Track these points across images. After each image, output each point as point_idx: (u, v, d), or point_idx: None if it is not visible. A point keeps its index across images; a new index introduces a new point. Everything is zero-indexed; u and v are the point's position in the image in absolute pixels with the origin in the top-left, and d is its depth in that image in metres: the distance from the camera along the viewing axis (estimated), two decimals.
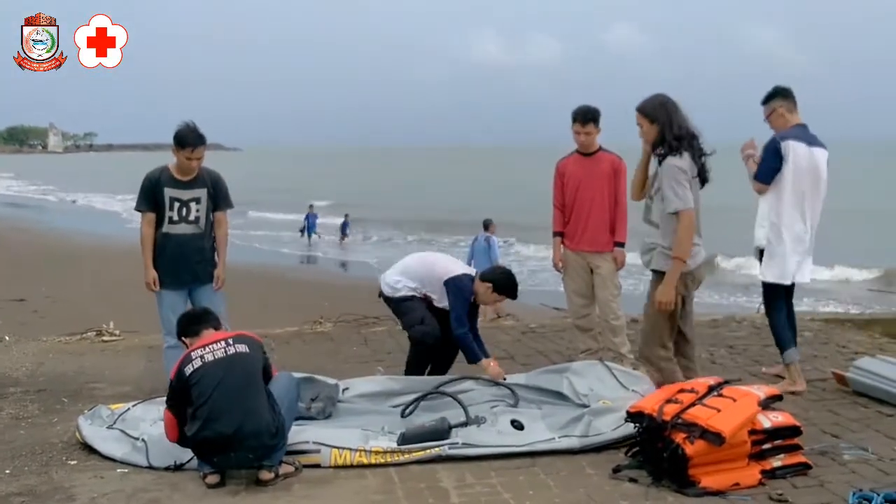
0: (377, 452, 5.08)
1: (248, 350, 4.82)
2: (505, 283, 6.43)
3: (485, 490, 4.69)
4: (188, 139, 5.98)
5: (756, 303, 10.42)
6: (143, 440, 5.25)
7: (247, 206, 44.81)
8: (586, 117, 6.83)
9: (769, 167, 6.18)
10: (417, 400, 5.78)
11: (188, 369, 4.71)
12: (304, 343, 8.50)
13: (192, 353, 4.78)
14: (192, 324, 5.14)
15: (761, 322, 8.89)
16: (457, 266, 6.61)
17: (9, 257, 23.60)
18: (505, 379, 6.21)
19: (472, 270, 6.65)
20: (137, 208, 6.28)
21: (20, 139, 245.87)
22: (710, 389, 4.83)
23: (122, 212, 48.33)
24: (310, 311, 11.03)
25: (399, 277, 6.51)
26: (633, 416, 4.81)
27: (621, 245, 6.91)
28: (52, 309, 15.27)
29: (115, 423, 5.68)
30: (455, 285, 6.35)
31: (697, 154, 5.46)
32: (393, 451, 5.09)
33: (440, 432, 5.22)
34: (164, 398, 6.15)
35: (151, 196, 6.17)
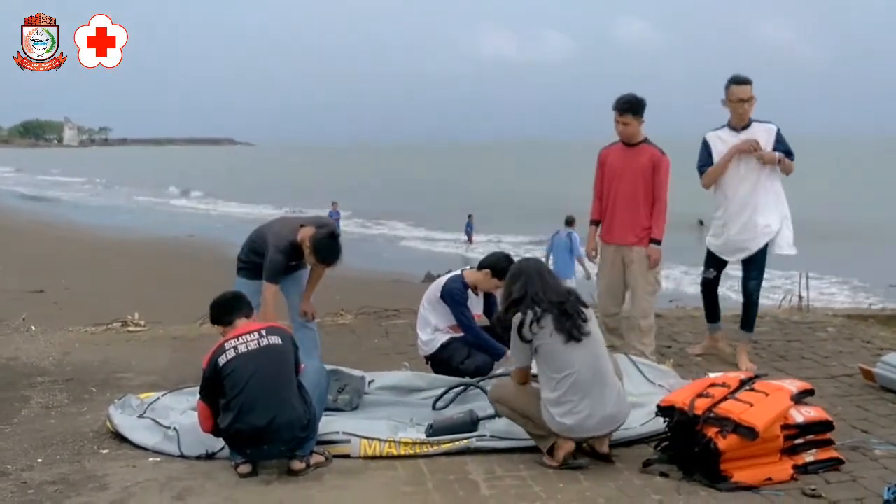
0: (406, 443, 5.10)
1: (280, 342, 4.84)
2: (504, 267, 6.34)
3: (514, 483, 4.70)
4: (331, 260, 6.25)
5: (775, 299, 10.36)
6: (174, 429, 5.28)
7: (270, 203, 45.42)
8: (623, 107, 6.76)
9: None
10: (447, 392, 5.79)
11: (222, 360, 4.73)
12: (325, 335, 8.45)
13: (226, 344, 4.80)
14: (226, 312, 5.12)
15: (784, 317, 8.88)
16: (445, 278, 6.55)
17: (26, 250, 23.78)
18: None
19: (455, 271, 6.62)
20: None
21: (36, 133, 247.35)
22: (742, 384, 4.83)
23: (139, 206, 48.83)
24: (321, 304, 11.01)
25: (424, 331, 6.48)
26: (663, 411, 4.81)
27: (657, 242, 6.82)
28: (71, 301, 15.37)
29: (144, 412, 5.73)
30: (447, 294, 6.34)
31: None
32: (422, 443, 5.11)
33: (468, 425, 5.24)
34: (194, 388, 6.28)
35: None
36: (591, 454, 4.92)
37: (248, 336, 4.81)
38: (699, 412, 4.61)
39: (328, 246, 6.12)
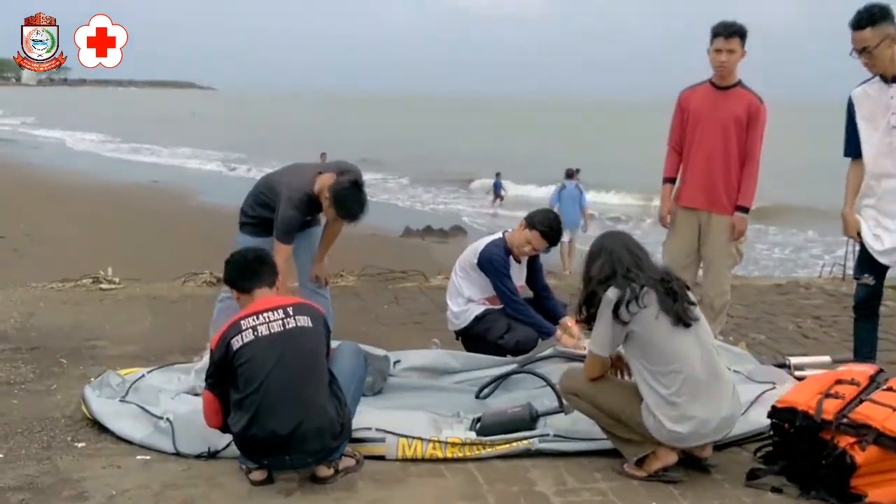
0: (454, 444, 4.19)
1: (310, 324, 3.85)
2: (556, 228, 5.44)
3: (595, 498, 3.81)
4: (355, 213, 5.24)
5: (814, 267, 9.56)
6: (168, 420, 4.33)
7: (248, 153, 43.80)
8: (731, 29, 5.45)
9: None
10: (498, 379, 4.88)
11: (236, 342, 3.74)
12: None
13: (242, 322, 3.79)
14: (245, 276, 4.08)
15: (832, 288, 8.07)
16: (482, 242, 5.61)
17: None
18: (584, 348, 5.28)
19: (495, 234, 5.65)
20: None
21: None
22: (872, 380, 3.96)
23: (97, 149, 47.13)
24: None
25: (455, 302, 5.57)
26: (781, 413, 3.92)
27: (744, 210, 5.66)
28: (34, 249, 14.22)
29: (127, 393, 4.77)
30: (487, 262, 5.41)
31: None
32: (472, 444, 4.20)
33: (525, 421, 4.33)
34: (185, 364, 5.32)
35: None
36: (683, 460, 4.02)
37: (270, 314, 3.81)
38: (829, 417, 3.74)
39: (352, 197, 5.13)
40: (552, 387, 4.53)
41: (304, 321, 3.83)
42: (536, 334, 5.37)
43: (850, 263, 8.75)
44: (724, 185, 5.63)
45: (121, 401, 4.69)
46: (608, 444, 4.13)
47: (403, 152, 44.60)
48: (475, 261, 5.46)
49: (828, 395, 3.84)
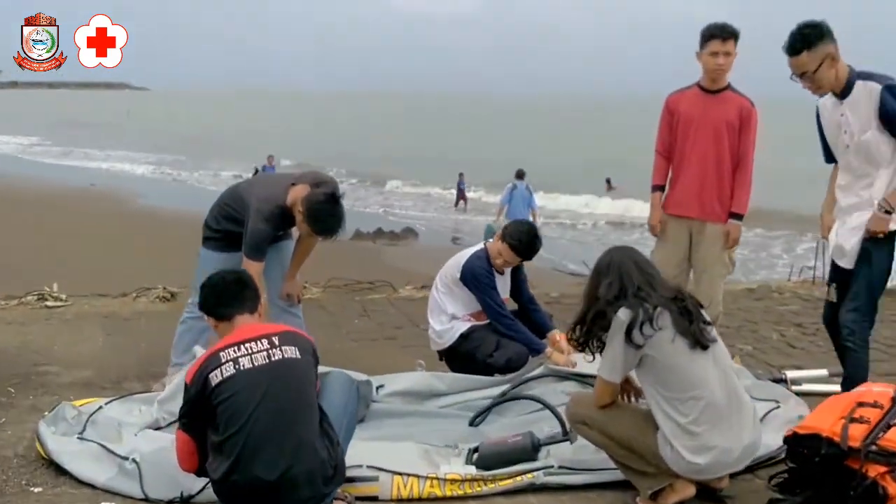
0: (453, 481, 3.87)
1: (298, 355, 3.48)
2: (529, 243, 5.10)
3: None
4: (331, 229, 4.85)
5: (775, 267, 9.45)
6: (133, 460, 3.93)
7: (187, 155, 42.73)
8: (728, 32, 5.17)
9: None
10: (495, 405, 4.59)
11: (215, 377, 3.36)
12: None
13: (222, 353, 3.41)
14: (225, 302, 3.65)
15: (806, 293, 7.93)
16: (464, 254, 5.27)
17: None
18: (575, 365, 4.99)
19: (477, 246, 5.32)
20: None
21: None
22: (894, 402, 3.73)
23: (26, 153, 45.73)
24: None
25: (438, 320, 5.25)
26: (804, 441, 3.66)
27: (738, 217, 5.40)
28: None
29: (84, 428, 4.35)
30: (470, 276, 5.10)
31: None
32: (473, 480, 3.89)
33: (527, 451, 4.02)
34: (147, 395, 4.91)
35: None
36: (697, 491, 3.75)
37: (253, 344, 3.43)
38: (856, 444, 3.50)
39: (327, 211, 4.77)
40: (555, 413, 4.24)
41: (292, 352, 3.46)
42: (527, 351, 5.07)
43: (820, 264, 8.70)
44: (718, 193, 5.37)
45: (79, 438, 4.27)
46: (618, 475, 3.85)
47: (344, 150, 44.04)
48: (458, 275, 5.15)
49: (852, 420, 3.60)
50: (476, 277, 5.08)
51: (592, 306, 3.69)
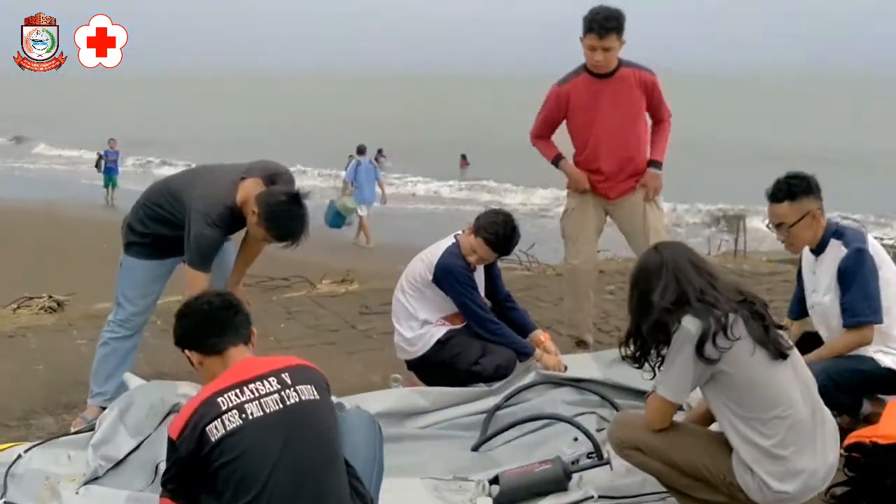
0: None
1: (315, 395, 2.79)
2: (506, 235, 4.52)
3: None
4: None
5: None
6: None
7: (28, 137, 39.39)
8: (608, 25, 4.82)
9: None
10: (502, 429, 4.02)
11: (216, 430, 2.62)
12: None
13: (220, 399, 2.67)
14: (213, 331, 2.91)
15: (734, 266, 7.75)
16: (433, 250, 4.66)
17: None
18: (566, 369, 4.49)
19: (447, 240, 4.70)
20: None
21: None
22: None
23: None
24: None
25: (407, 326, 4.62)
26: (885, 450, 3.27)
27: (657, 165, 5.18)
28: None
29: (5, 489, 3.54)
30: (448, 276, 4.50)
31: None
32: None
33: (559, 481, 3.48)
34: (69, 437, 4.06)
35: None
36: None
37: (259, 385, 2.71)
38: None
39: (289, 213, 4.05)
40: (588, 435, 3.71)
41: (308, 392, 2.77)
42: (514, 357, 4.51)
43: (742, 239, 8.58)
44: (636, 169, 5.22)
45: (2, 498, 3.45)
46: (670, 503, 3.36)
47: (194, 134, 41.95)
48: (430, 277, 4.52)
49: None
50: (455, 276, 4.47)
51: (647, 316, 3.15)
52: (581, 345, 5.27)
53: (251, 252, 4.54)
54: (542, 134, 5.32)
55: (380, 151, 28.05)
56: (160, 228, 4.28)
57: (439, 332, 4.55)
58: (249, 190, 4.09)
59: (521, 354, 4.50)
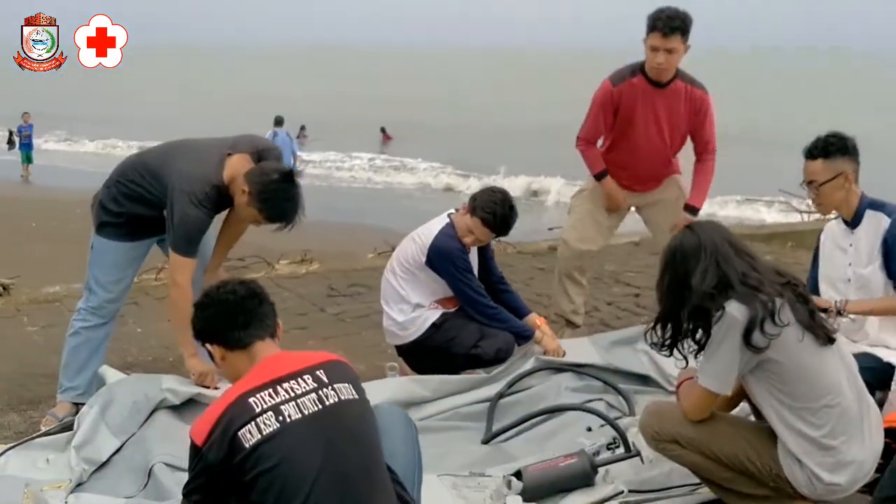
0: None
1: (354, 394, 2.54)
2: (505, 215, 4.31)
3: None
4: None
5: None
6: None
7: None
8: (673, 25, 4.50)
9: None
10: (518, 423, 3.85)
11: (250, 435, 2.36)
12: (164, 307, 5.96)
13: (252, 399, 2.41)
14: (237, 323, 2.62)
15: None
16: (427, 230, 4.43)
17: None
18: (564, 354, 4.36)
19: (440, 220, 4.46)
20: None
21: None
22: None
23: None
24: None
25: (398, 310, 4.40)
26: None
27: (693, 212, 4.84)
28: None
29: None
30: (443, 258, 4.29)
31: None
32: None
33: (586, 475, 3.32)
34: (45, 438, 3.75)
35: None
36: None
37: (294, 384, 2.46)
38: None
39: (284, 193, 3.78)
40: (615, 426, 3.54)
41: (347, 391, 2.52)
42: (514, 340, 4.34)
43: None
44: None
45: None
46: (702, 495, 3.23)
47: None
48: (423, 259, 4.30)
49: None
50: (451, 259, 4.27)
51: (685, 300, 2.99)
52: (570, 325, 5.11)
53: (234, 233, 4.28)
54: (593, 138, 4.97)
55: (303, 128, 28.12)
56: (136, 207, 3.97)
57: (433, 315, 4.35)
58: (237, 167, 3.81)
59: (521, 338, 4.34)
